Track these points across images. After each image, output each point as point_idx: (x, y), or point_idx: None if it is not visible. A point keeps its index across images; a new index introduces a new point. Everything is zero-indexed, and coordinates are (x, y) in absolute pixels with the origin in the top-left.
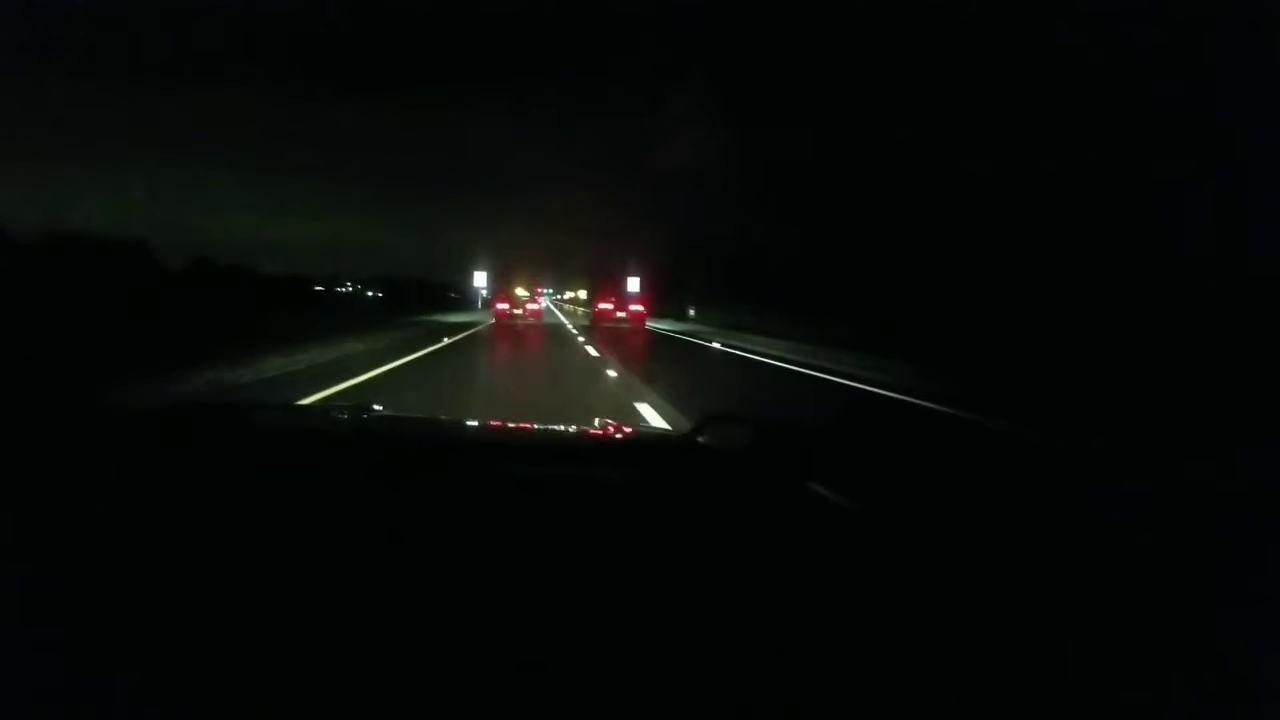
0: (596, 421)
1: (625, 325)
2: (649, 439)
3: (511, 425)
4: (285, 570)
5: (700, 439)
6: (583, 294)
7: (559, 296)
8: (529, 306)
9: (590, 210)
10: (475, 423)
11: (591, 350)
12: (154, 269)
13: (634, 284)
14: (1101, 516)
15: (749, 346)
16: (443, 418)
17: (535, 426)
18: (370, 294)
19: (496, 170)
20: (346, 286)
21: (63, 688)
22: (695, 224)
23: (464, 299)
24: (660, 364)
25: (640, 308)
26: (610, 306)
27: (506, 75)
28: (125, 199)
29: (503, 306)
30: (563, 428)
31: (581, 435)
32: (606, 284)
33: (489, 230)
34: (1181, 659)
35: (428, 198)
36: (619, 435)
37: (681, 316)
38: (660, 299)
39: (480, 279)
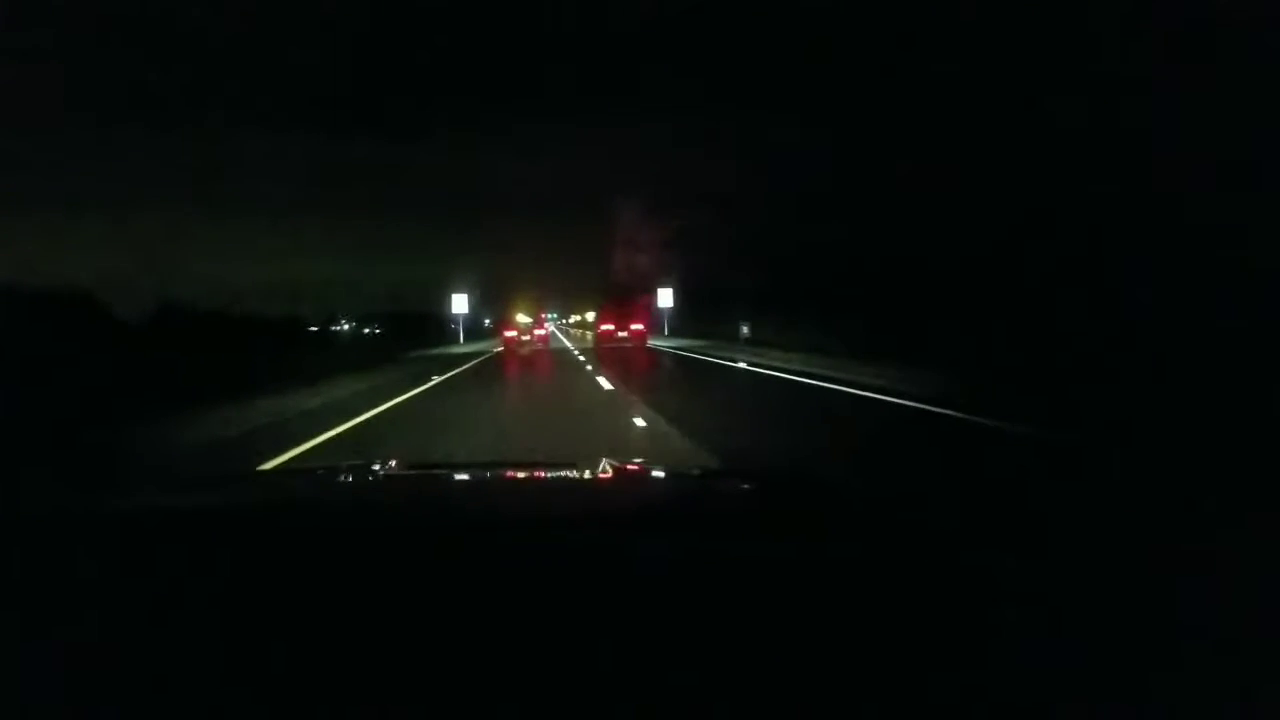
0: (602, 463)
1: (627, 344)
2: (657, 488)
3: (523, 475)
4: (297, 661)
5: (710, 486)
6: (590, 315)
7: (564, 321)
8: (536, 333)
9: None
10: (485, 474)
11: (595, 374)
12: (107, 319)
13: (663, 297)
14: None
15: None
16: (449, 472)
17: (547, 475)
18: (368, 330)
19: (497, 198)
20: (342, 325)
21: None
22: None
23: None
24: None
25: (640, 327)
26: (611, 328)
27: (504, 98)
28: (91, 245)
29: (510, 334)
30: (574, 473)
31: (587, 484)
32: (610, 307)
33: (489, 259)
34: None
35: (426, 228)
36: (626, 481)
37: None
38: (676, 317)
39: (460, 303)
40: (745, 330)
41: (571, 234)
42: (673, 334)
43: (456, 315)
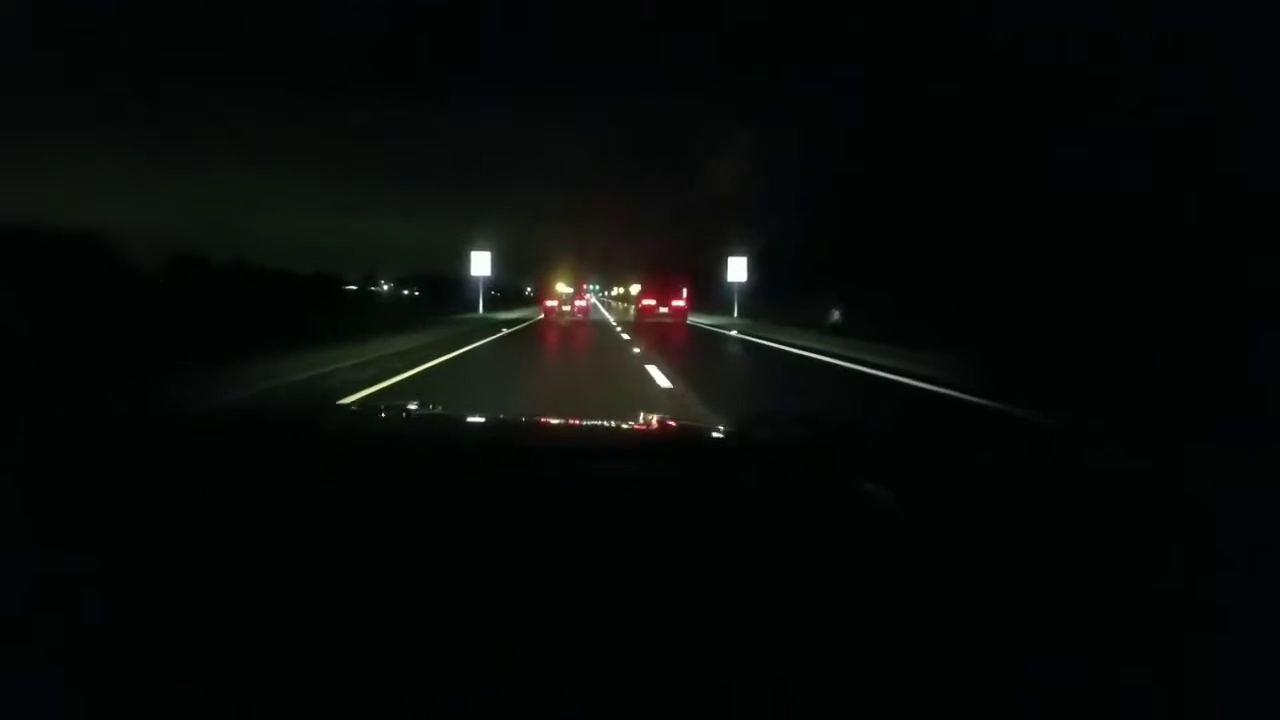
0: (642, 417)
1: (668, 320)
2: (699, 435)
3: (557, 422)
4: (335, 574)
5: (753, 436)
6: (634, 288)
7: (606, 293)
8: (577, 304)
9: (640, 205)
10: (521, 419)
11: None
12: (118, 265)
13: (734, 269)
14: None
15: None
16: (485, 417)
17: (582, 423)
18: (406, 293)
19: (543, 166)
20: (381, 285)
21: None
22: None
23: (504, 297)
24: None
25: (682, 303)
26: (654, 303)
27: (556, 67)
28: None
29: (551, 304)
30: (611, 423)
31: (630, 431)
32: (653, 281)
33: (530, 227)
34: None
35: (470, 193)
36: (668, 431)
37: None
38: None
39: (480, 263)
40: (836, 316)
41: (617, 205)
42: (746, 314)
43: (477, 278)
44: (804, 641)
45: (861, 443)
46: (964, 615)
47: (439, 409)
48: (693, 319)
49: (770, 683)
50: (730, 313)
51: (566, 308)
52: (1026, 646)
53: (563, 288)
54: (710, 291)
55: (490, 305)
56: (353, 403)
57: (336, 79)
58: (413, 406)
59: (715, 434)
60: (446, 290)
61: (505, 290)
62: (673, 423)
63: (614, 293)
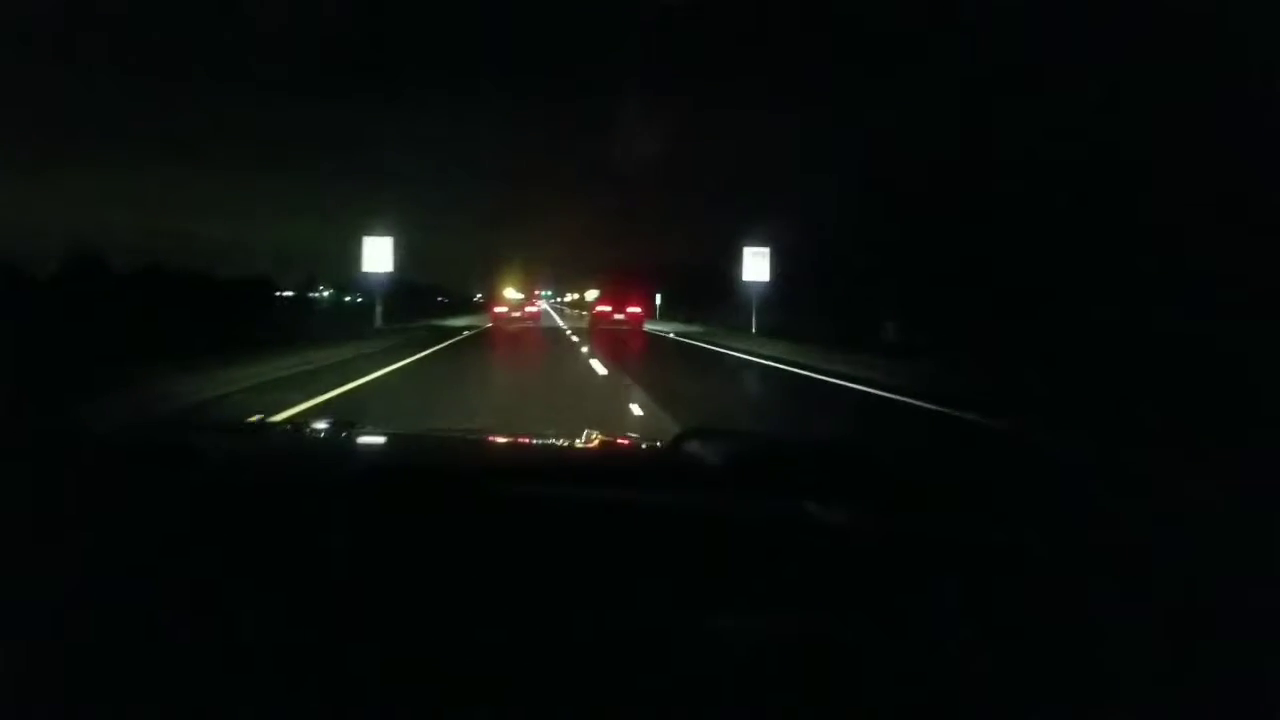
0: (584, 434)
1: (624, 327)
2: (635, 454)
3: (495, 440)
4: (267, 599)
5: (687, 451)
6: (591, 294)
7: (559, 300)
8: (527, 310)
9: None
10: (458, 436)
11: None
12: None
13: (751, 267)
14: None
15: None
16: (423, 433)
17: (522, 440)
18: (349, 299)
19: (494, 172)
20: (320, 291)
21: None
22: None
23: (451, 304)
24: None
25: (638, 309)
26: (609, 309)
27: (507, 69)
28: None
29: (500, 310)
30: (550, 441)
31: (567, 450)
32: (607, 287)
33: (484, 233)
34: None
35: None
36: (606, 449)
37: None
38: (674, 303)
39: (376, 252)
40: (890, 331)
41: (574, 209)
42: (767, 332)
43: (372, 275)
44: (744, 659)
45: (805, 460)
46: (904, 625)
47: (368, 428)
48: (688, 335)
49: (707, 702)
50: (738, 323)
51: (516, 314)
52: (988, 671)
53: (511, 293)
54: (707, 297)
55: (437, 312)
56: (281, 421)
57: (277, 79)
58: (320, 425)
59: (651, 452)
60: (392, 297)
61: (453, 296)
62: (616, 439)
63: (567, 299)
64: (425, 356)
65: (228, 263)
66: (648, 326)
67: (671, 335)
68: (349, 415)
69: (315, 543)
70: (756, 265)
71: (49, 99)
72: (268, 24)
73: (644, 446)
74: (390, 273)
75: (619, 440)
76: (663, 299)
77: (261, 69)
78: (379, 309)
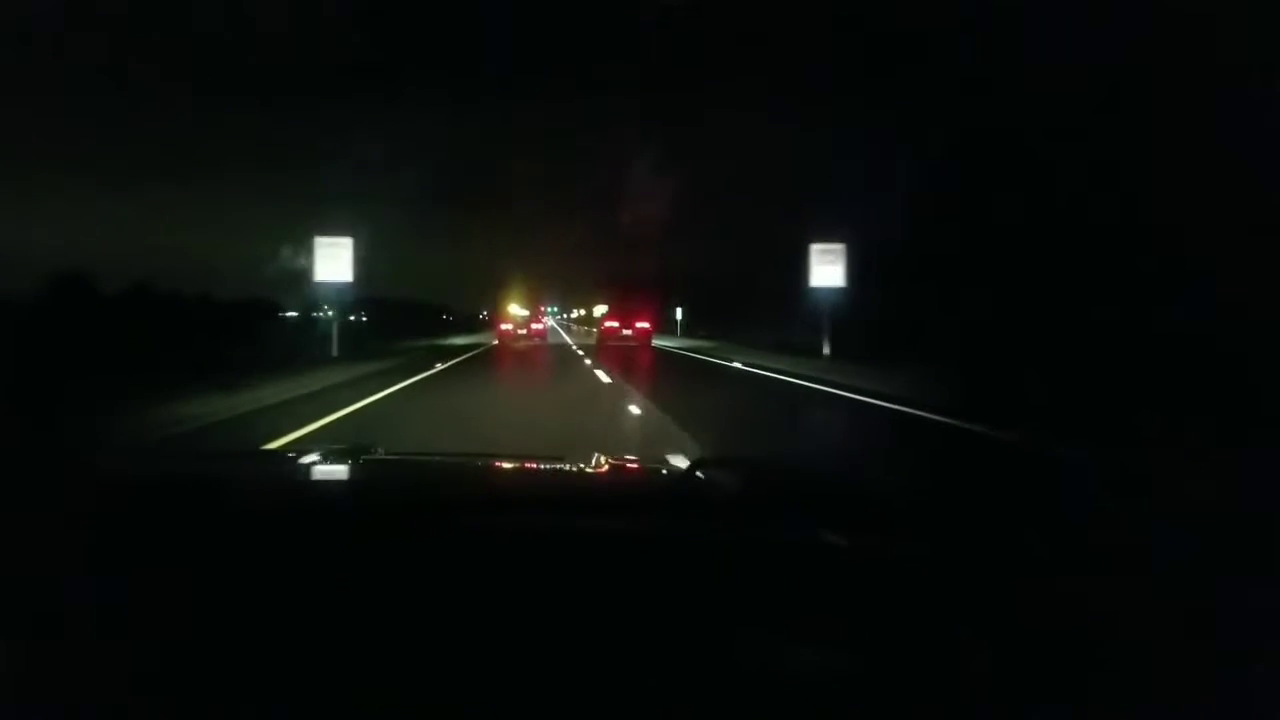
0: (594, 458)
1: (632, 342)
2: (646, 481)
3: (503, 465)
4: (276, 628)
5: (699, 478)
6: (600, 309)
7: (565, 315)
8: (533, 326)
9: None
10: (469, 463)
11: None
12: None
13: (822, 271)
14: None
15: None
16: (437, 458)
17: (533, 466)
18: (353, 319)
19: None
20: (324, 311)
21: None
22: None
23: (456, 322)
24: None
25: (646, 325)
26: (616, 324)
27: (511, 81)
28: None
29: (506, 328)
30: (561, 465)
31: (578, 478)
32: (614, 303)
33: (490, 251)
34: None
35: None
36: (616, 476)
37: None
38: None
39: (332, 258)
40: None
41: (579, 226)
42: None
43: (328, 284)
44: (759, 689)
45: (820, 489)
46: (919, 654)
47: (379, 451)
48: (700, 351)
49: None
50: (819, 352)
51: (522, 331)
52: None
53: (517, 310)
54: (744, 307)
55: (441, 331)
56: (282, 446)
57: (274, 90)
58: (329, 450)
59: (665, 478)
60: (398, 316)
61: (459, 315)
62: (628, 464)
63: (573, 315)
64: (386, 396)
65: (234, 284)
66: (670, 345)
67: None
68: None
69: (316, 569)
70: (827, 267)
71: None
72: (264, 26)
73: (659, 471)
74: (348, 283)
75: (629, 464)
76: (685, 314)
77: (258, 78)
78: (334, 332)
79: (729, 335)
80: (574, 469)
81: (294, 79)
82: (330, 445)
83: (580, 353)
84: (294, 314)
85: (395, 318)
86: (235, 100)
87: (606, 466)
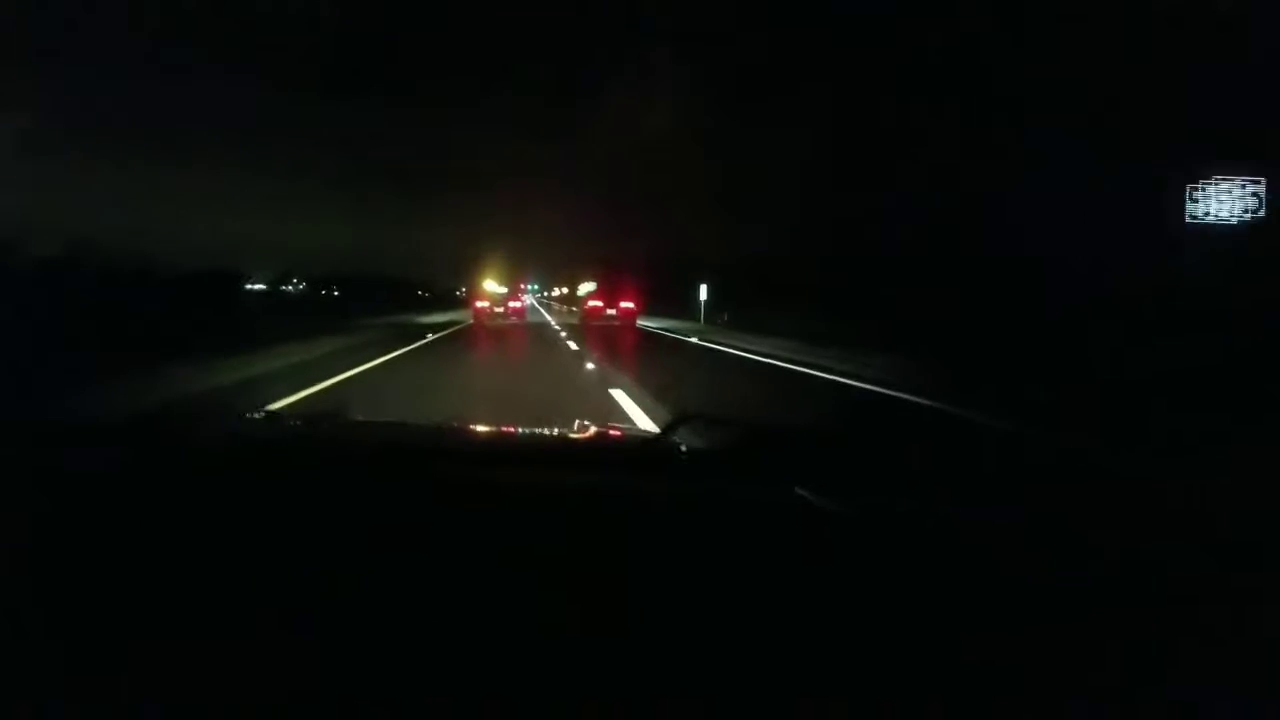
0: (576, 423)
1: (615, 322)
2: (625, 441)
3: (485, 429)
4: (264, 584)
5: (675, 439)
6: (586, 287)
7: (545, 294)
8: (511, 305)
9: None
10: (449, 426)
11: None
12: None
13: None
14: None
15: None
16: (414, 422)
17: (512, 429)
18: (325, 293)
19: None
20: (294, 285)
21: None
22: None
23: (434, 297)
24: None
25: (630, 305)
26: (600, 304)
27: (498, 69)
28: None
29: (482, 305)
30: (540, 430)
31: (557, 438)
32: (601, 282)
33: (474, 228)
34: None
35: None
36: (596, 437)
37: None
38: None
39: None
40: None
41: (562, 206)
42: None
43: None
44: (738, 647)
45: (793, 445)
46: (901, 611)
47: (362, 418)
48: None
49: (703, 689)
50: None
51: (499, 309)
52: (972, 641)
53: (494, 287)
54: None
55: (416, 306)
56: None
57: (270, 78)
58: (310, 416)
59: (643, 439)
60: (368, 290)
61: (435, 290)
62: (607, 429)
63: (554, 294)
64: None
65: (198, 255)
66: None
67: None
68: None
69: (315, 524)
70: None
71: None
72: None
73: (636, 435)
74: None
75: (611, 430)
76: (709, 294)
77: (239, 59)
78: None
79: (764, 325)
80: (556, 435)
81: (281, 69)
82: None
83: (563, 334)
84: (262, 286)
85: (369, 293)
86: (228, 83)
87: (590, 431)
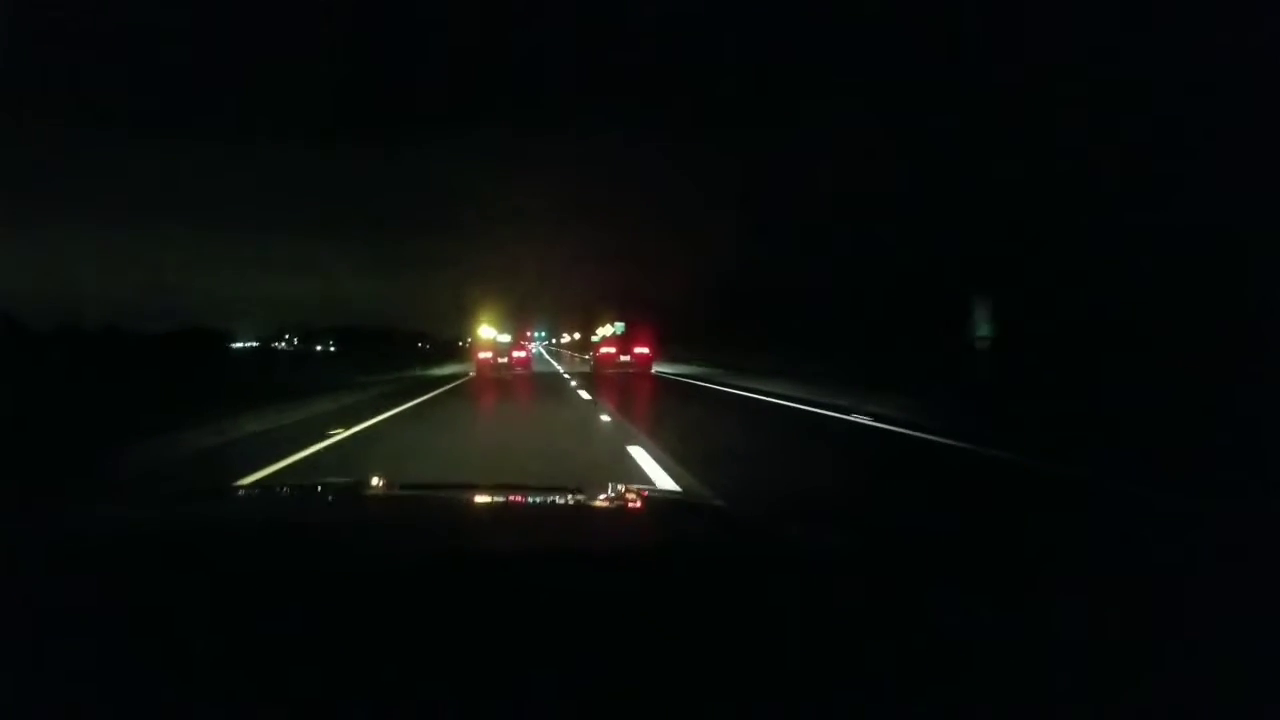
0: (610, 488)
1: (630, 369)
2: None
3: (511, 499)
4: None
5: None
6: (608, 330)
7: (554, 340)
8: (515, 355)
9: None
10: (485, 499)
11: None
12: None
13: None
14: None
15: None
16: (444, 494)
17: (551, 500)
18: (320, 348)
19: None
20: (283, 341)
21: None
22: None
23: (434, 349)
24: None
25: (646, 350)
26: (613, 350)
27: (494, 111)
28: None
29: (485, 356)
30: (580, 498)
31: (606, 511)
32: (613, 325)
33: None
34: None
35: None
36: (647, 510)
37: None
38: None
39: None
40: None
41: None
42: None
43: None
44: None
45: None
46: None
47: (381, 482)
48: None
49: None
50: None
51: (503, 360)
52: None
53: (490, 333)
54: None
55: (413, 360)
56: (253, 482)
57: (256, 129)
58: (374, 480)
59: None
60: (367, 344)
61: (435, 342)
62: (656, 496)
63: (563, 340)
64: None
65: (174, 315)
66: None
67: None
68: None
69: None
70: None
71: None
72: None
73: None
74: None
75: (643, 494)
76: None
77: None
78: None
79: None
80: (582, 502)
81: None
82: (326, 479)
83: (573, 384)
84: (244, 344)
85: (370, 346)
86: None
87: (624, 499)
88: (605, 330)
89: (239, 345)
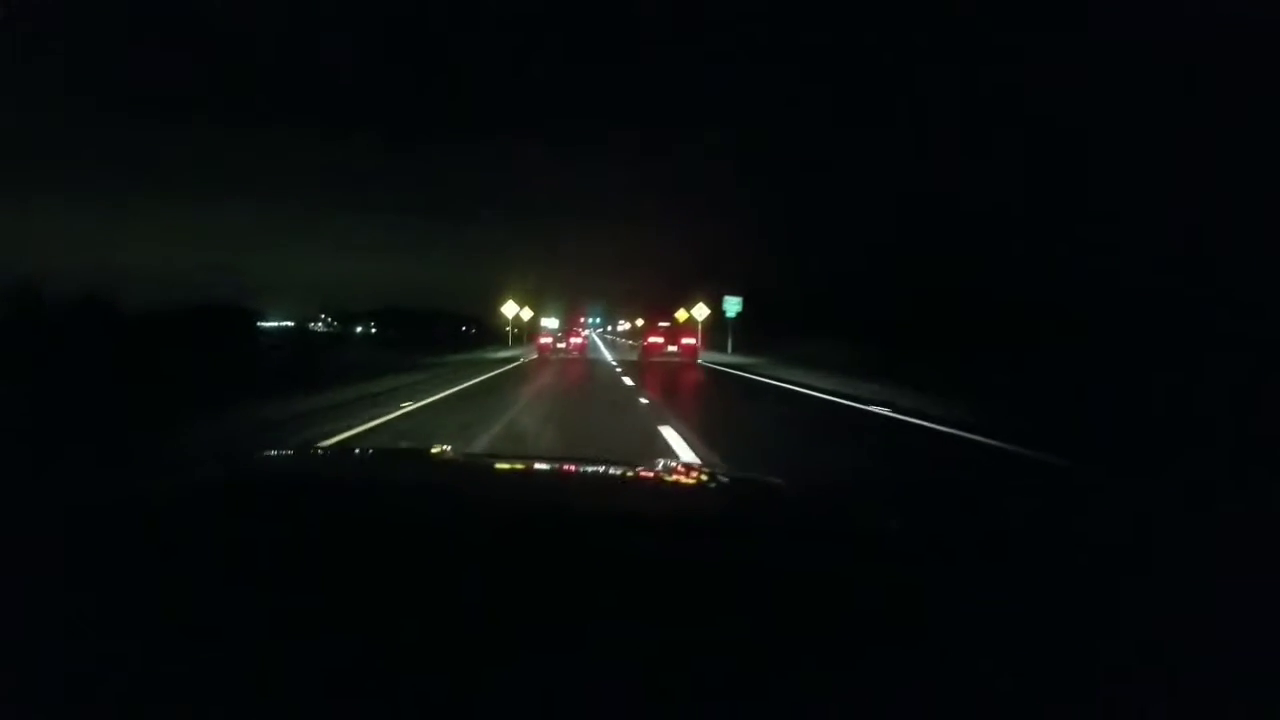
0: (661, 464)
1: (676, 359)
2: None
3: (587, 470)
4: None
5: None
6: (683, 315)
7: (609, 328)
8: (571, 340)
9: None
10: (550, 467)
11: None
12: None
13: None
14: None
15: None
16: (514, 463)
17: (612, 471)
18: (360, 329)
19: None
20: (320, 323)
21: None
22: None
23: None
24: None
25: (692, 341)
26: (661, 340)
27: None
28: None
29: (545, 341)
30: (641, 471)
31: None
32: (658, 315)
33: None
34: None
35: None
36: (712, 484)
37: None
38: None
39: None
40: None
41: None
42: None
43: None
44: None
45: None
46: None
47: (448, 449)
48: None
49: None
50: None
51: (561, 345)
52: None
53: (555, 324)
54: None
55: (457, 346)
56: (331, 445)
57: (304, 115)
58: (448, 449)
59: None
60: (416, 327)
61: (481, 326)
62: (720, 477)
63: (618, 329)
64: None
65: (201, 291)
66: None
67: None
68: None
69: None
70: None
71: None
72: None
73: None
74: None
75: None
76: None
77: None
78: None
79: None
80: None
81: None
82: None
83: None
84: (277, 325)
85: (420, 328)
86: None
87: (689, 474)
88: (681, 315)
89: (270, 325)
